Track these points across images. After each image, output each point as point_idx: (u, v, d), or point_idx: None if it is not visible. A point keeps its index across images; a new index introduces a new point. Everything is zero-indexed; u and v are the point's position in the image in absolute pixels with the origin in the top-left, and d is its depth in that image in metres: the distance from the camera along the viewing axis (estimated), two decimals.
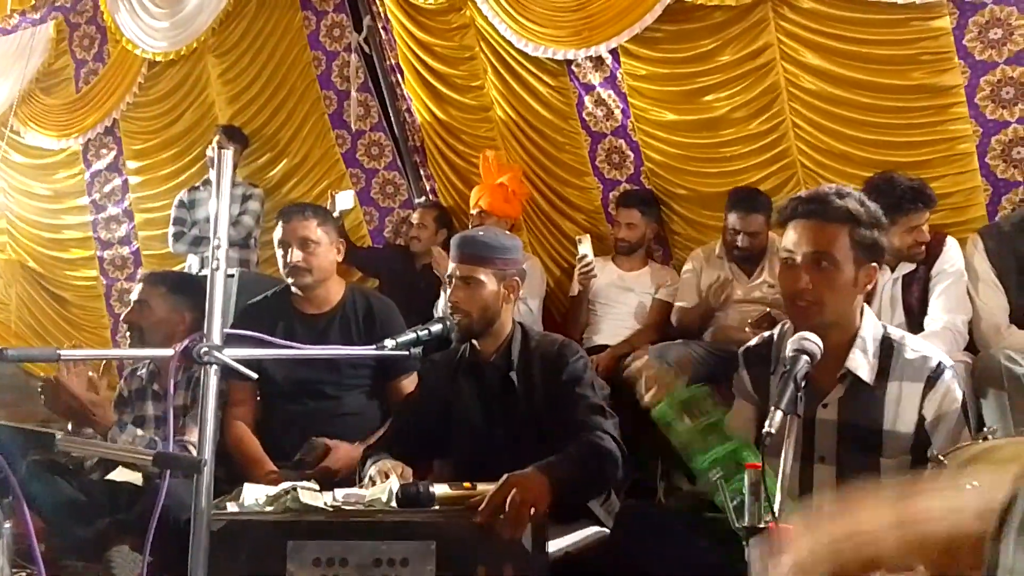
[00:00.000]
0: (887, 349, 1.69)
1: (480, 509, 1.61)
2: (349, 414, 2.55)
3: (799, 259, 1.66)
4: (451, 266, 2.10)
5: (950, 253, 2.80)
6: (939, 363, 1.66)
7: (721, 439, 1.57)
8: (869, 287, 1.70)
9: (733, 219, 3.25)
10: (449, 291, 2.10)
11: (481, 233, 2.19)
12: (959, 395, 1.66)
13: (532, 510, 1.61)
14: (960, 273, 2.77)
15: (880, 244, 1.67)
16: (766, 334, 1.88)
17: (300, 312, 2.61)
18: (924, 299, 2.77)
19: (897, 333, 1.74)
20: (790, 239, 1.69)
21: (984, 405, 2.49)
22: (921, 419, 1.65)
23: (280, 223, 2.62)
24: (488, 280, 2.05)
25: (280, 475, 2.31)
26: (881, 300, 2.76)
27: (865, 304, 1.75)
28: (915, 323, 2.73)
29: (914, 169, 3.03)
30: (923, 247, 2.73)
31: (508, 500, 1.59)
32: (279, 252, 2.61)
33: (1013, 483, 0.56)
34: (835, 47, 3.25)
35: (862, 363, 1.67)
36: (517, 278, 2.12)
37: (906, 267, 2.78)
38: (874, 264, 1.67)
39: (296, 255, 2.54)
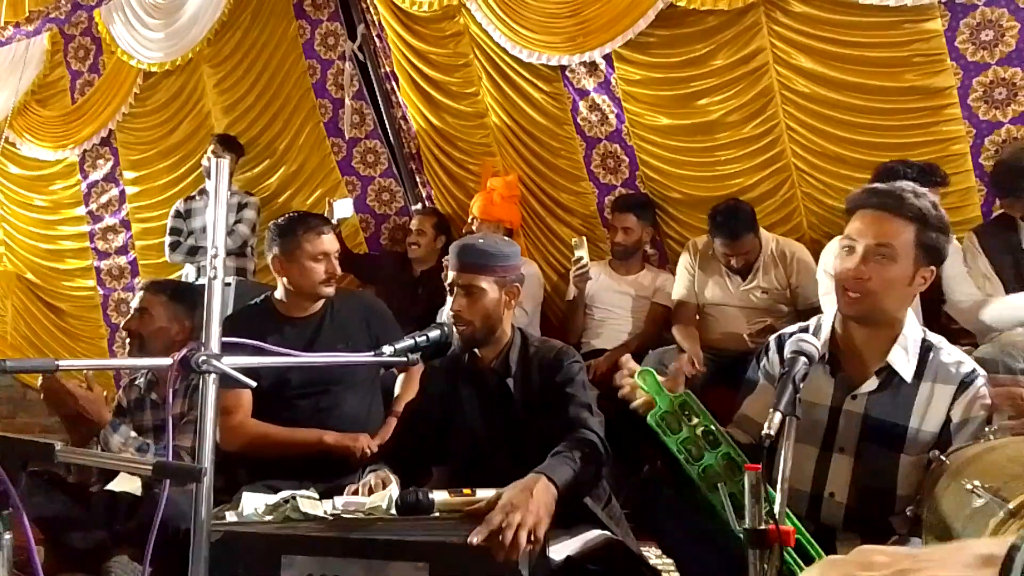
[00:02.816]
0: (925, 351, 1.70)
1: (476, 531, 1.55)
2: (347, 412, 2.56)
3: (860, 248, 1.65)
4: (451, 275, 2.09)
5: None
6: (973, 369, 1.68)
7: (711, 444, 1.57)
8: (923, 289, 1.70)
9: (719, 245, 3.25)
10: (451, 301, 2.09)
11: (480, 240, 2.16)
12: (988, 402, 1.66)
13: (531, 534, 1.56)
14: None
15: (940, 249, 1.66)
16: (803, 323, 1.87)
17: (288, 317, 2.61)
18: None
19: (935, 338, 1.75)
20: (854, 227, 1.68)
21: None
22: (948, 420, 1.66)
23: (318, 235, 2.56)
24: (489, 288, 2.04)
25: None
26: None
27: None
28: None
29: None
30: None
31: (504, 524, 1.54)
32: (314, 265, 2.53)
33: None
34: (828, 50, 3.27)
35: (903, 360, 1.68)
36: (517, 284, 2.11)
37: None
38: (932, 268, 1.67)
39: (333, 266, 2.57)
